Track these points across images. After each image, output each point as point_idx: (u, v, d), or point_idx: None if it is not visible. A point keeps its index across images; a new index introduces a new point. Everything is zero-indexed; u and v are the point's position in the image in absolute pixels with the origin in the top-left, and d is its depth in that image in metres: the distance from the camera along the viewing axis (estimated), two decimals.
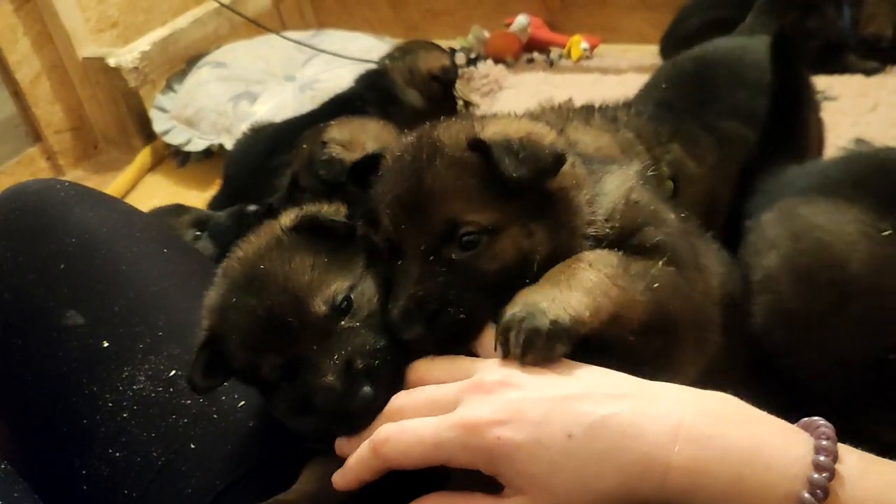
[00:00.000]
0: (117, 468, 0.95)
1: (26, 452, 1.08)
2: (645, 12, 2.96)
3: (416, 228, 0.79)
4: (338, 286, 0.82)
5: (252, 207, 1.54)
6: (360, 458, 0.74)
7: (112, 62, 2.70)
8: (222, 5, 2.92)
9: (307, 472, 0.87)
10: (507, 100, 2.61)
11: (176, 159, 2.78)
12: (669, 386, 0.69)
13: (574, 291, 0.72)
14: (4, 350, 1.05)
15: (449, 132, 0.82)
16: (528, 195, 0.78)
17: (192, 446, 0.93)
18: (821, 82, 2.29)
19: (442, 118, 0.89)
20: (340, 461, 0.84)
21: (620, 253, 0.79)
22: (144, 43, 2.80)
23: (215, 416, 0.95)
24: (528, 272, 0.77)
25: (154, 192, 2.66)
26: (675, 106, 1.41)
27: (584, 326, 0.71)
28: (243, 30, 3.16)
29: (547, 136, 0.83)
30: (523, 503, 0.67)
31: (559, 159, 0.78)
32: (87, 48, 2.79)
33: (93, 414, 0.98)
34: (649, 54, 2.80)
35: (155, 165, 2.81)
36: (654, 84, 1.51)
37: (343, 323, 0.81)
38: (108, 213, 1.16)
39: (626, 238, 0.82)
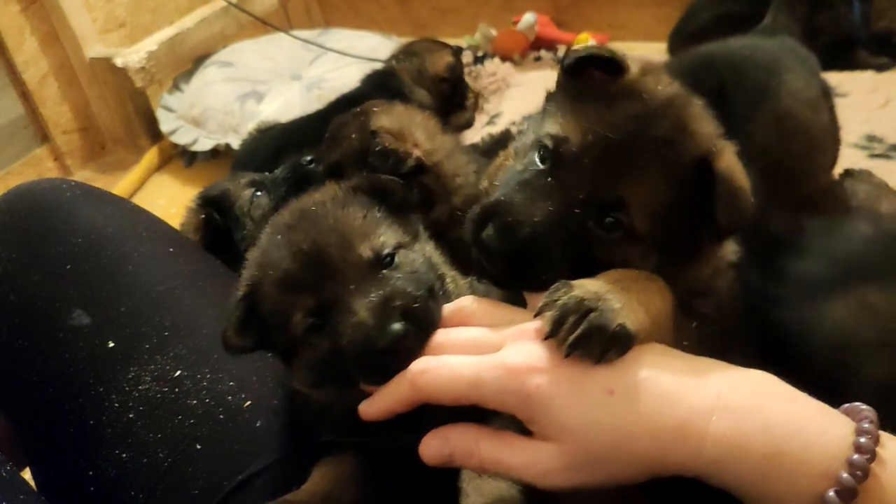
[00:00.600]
0: (124, 469, 0.94)
1: (33, 454, 1.07)
2: (654, 8, 2.94)
3: (595, 175, 0.75)
4: (386, 239, 0.81)
5: (307, 158, 1.51)
6: (395, 386, 0.73)
7: (119, 62, 2.71)
8: (230, 4, 2.92)
9: (317, 471, 0.87)
10: (515, 98, 2.60)
11: (182, 159, 2.78)
12: (712, 361, 0.69)
13: (642, 307, 0.70)
14: (11, 351, 1.05)
15: (697, 127, 0.78)
16: (681, 228, 0.76)
17: (199, 447, 0.93)
18: (832, 79, 2.26)
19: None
20: (353, 460, 0.83)
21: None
22: (151, 43, 2.80)
23: (221, 416, 0.95)
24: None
25: (161, 192, 2.67)
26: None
27: (636, 343, 0.69)
28: (250, 29, 3.16)
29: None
30: (553, 450, 0.66)
31: (750, 224, 0.77)
32: (94, 48, 2.80)
33: (99, 415, 0.97)
34: (658, 51, 2.77)
35: (162, 165, 2.81)
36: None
37: (385, 272, 0.79)
38: (115, 213, 1.16)
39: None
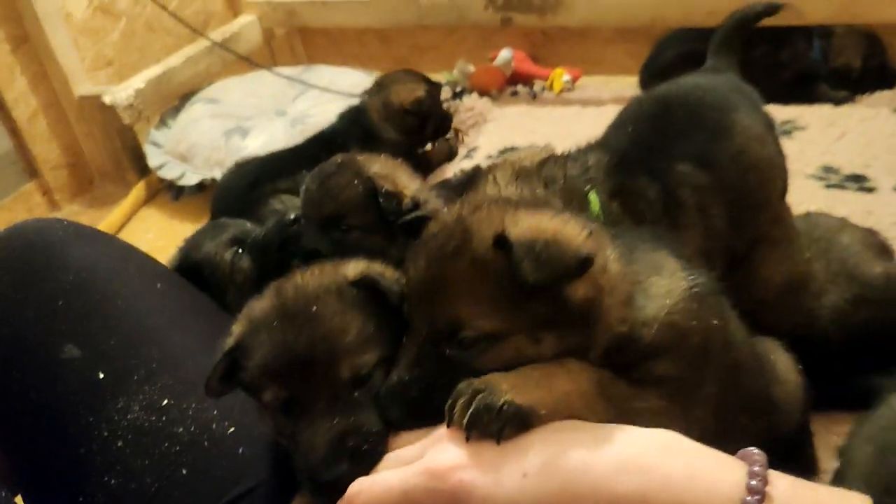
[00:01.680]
0: (112, 495, 0.99)
1: (25, 481, 1.12)
2: (625, 44, 3.06)
3: (425, 315, 0.81)
4: (368, 358, 0.85)
5: (292, 216, 1.49)
6: None
7: (107, 100, 2.78)
8: (215, 43, 3.01)
9: (299, 499, 0.91)
10: (492, 133, 2.68)
11: (169, 193, 2.85)
12: (618, 426, 0.74)
13: (541, 390, 0.73)
14: (4, 383, 1.09)
15: (481, 223, 0.81)
16: (544, 300, 0.77)
17: (184, 472, 0.98)
18: (791, 112, 2.38)
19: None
20: None
21: (605, 373, 0.79)
22: (139, 81, 2.88)
23: (206, 443, 1.01)
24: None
25: (149, 226, 2.73)
26: (629, 153, 1.33)
27: (537, 420, 0.73)
28: (235, 67, 3.25)
29: (577, 237, 0.80)
30: None
31: (584, 263, 0.76)
32: (82, 86, 2.86)
33: (89, 443, 1.02)
34: (630, 85, 2.89)
35: (149, 199, 2.87)
36: (619, 124, 1.50)
37: (356, 394, 0.84)
38: (105, 251, 1.22)
39: (639, 356, 0.82)
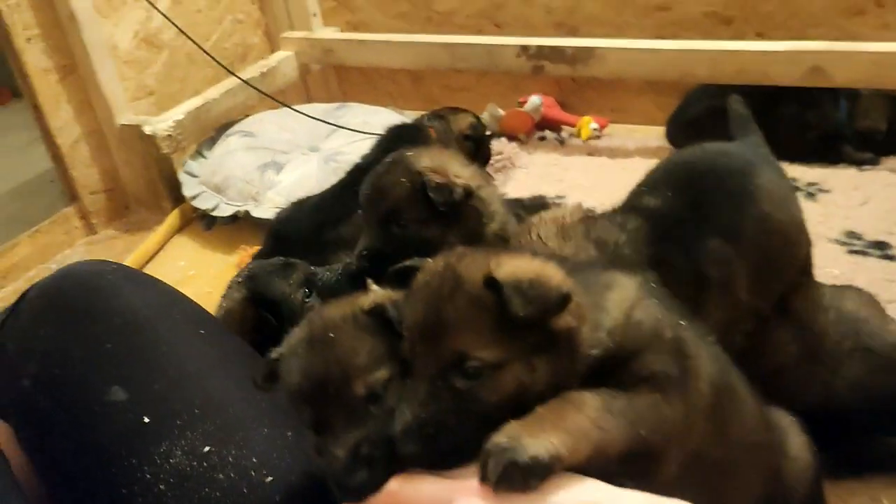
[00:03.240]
0: None
1: None
2: (653, 95, 3.11)
3: (429, 351, 0.87)
4: (380, 375, 0.93)
5: (353, 262, 1.57)
6: None
7: (148, 130, 2.87)
8: (248, 84, 3.10)
9: None
10: (520, 179, 2.74)
11: (202, 222, 2.92)
12: (634, 494, 0.79)
13: (558, 431, 0.80)
14: (51, 422, 1.14)
15: (469, 268, 0.89)
16: (533, 332, 0.86)
17: None
18: (816, 174, 2.42)
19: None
20: None
21: (604, 391, 0.86)
22: (178, 112, 2.97)
23: (245, 489, 1.05)
24: (527, 401, 0.84)
25: (181, 254, 2.79)
26: (663, 223, 1.37)
27: (561, 464, 0.79)
28: (271, 101, 3.33)
29: (555, 277, 0.89)
30: None
31: (565, 299, 0.85)
32: (124, 115, 2.96)
33: (131, 485, 1.06)
34: (656, 135, 2.94)
35: (183, 227, 2.94)
36: (650, 185, 1.48)
37: (371, 408, 0.92)
38: (152, 296, 1.27)
39: (621, 362, 0.89)
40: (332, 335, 0.97)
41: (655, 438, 0.86)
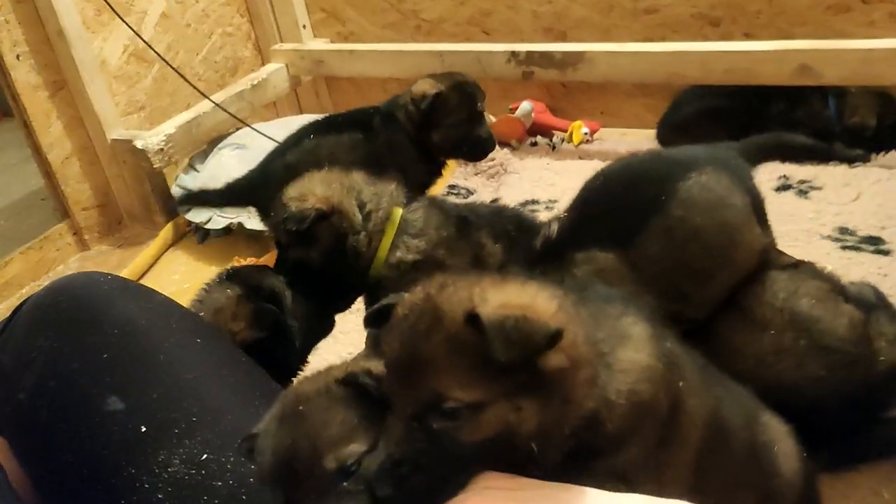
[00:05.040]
0: None
1: None
2: (643, 98, 3.13)
3: (406, 390, 0.83)
4: (354, 448, 0.89)
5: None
6: None
7: (139, 144, 2.86)
8: (217, 105, 3.09)
9: None
10: (513, 185, 2.74)
11: (196, 235, 2.92)
12: (632, 497, 0.79)
13: None
14: (49, 433, 1.14)
15: (451, 302, 0.83)
16: (520, 371, 0.79)
17: None
18: (807, 172, 2.43)
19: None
20: None
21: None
22: (170, 126, 2.96)
23: (244, 496, 1.04)
24: (517, 442, 0.80)
25: (175, 268, 2.79)
26: (559, 237, 1.40)
27: None
28: (263, 113, 3.34)
29: (546, 311, 0.83)
30: None
31: (553, 338, 0.79)
32: (115, 131, 2.95)
33: (130, 495, 1.06)
34: (647, 138, 2.95)
35: (176, 241, 2.94)
36: (572, 203, 1.49)
37: (345, 484, 0.88)
38: (147, 306, 1.27)
39: (605, 446, 0.86)
40: (301, 408, 0.93)
41: None
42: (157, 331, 1.23)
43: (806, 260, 1.58)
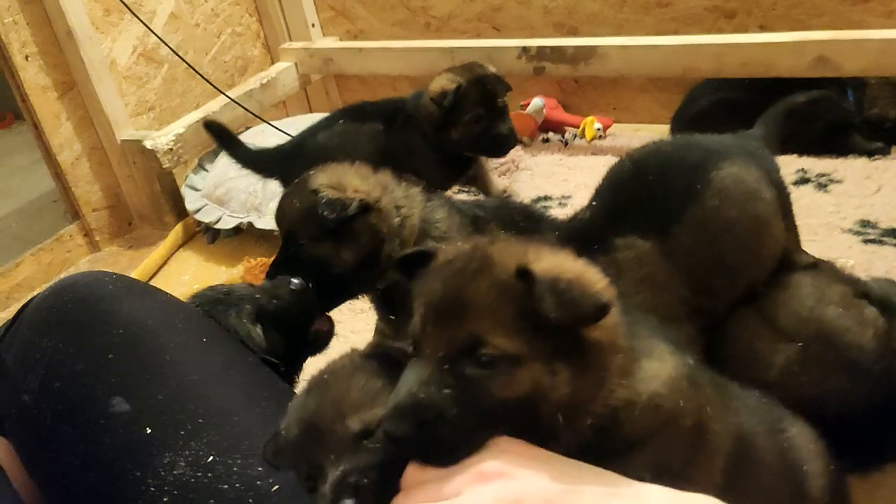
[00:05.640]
0: None
1: None
2: (656, 93, 3.08)
3: (441, 332, 0.78)
4: (378, 411, 0.85)
5: (297, 282, 1.53)
6: None
7: (149, 144, 2.85)
8: (231, 100, 3.08)
9: None
10: (525, 181, 2.71)
11: (206, 235, 2.90)
12: (657, 488, 0.75)
13: None
14: (54, 435, 1.12)
15: (502, 253, 0.82)
16: (562, 335, 0.77)
17: None
18: (827, 165, 2.38)
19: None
20: None
21: None
22: (179, 126, 2.95)
23: (251, 500, 1.02)
24: (540, 411, 0.77)
25: (185, 268, 2.77)
26: (583, 228, 1.35)
27: None
28: (272, 111, 3.32)
29: (597, 283, 0.81)
30: None
31: (602, 310, 0.77)
32: (125, 131, 2.95)
33: (136, 497, 1.04)
34: (660, 134, 2.90)
35: (186, 242, 2.92)
36: (598, 189, 1.45)
37: (366, 441, 0.86)
38: (153, 306, 1.25)
39: (623, 446, 0.82)
40: (326, 377, 0.93)
41: None
42: (162, 331, 1.20)
43: (828, 255, 1.53)
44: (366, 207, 1.47)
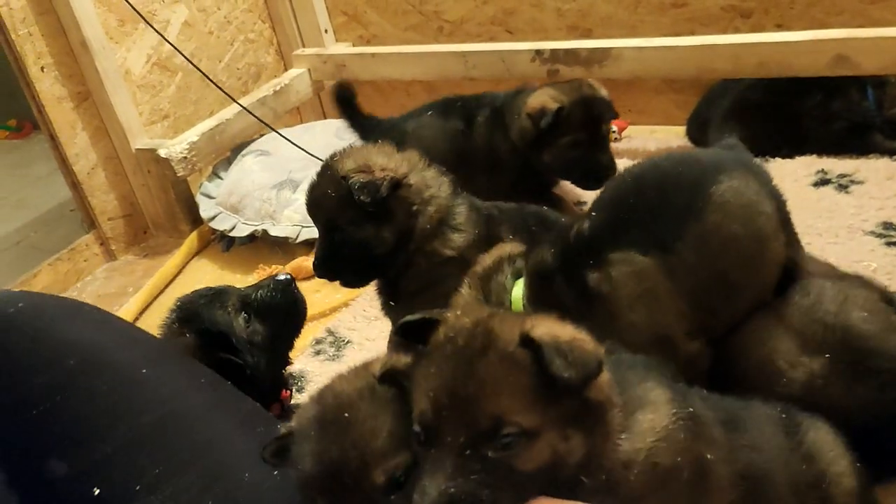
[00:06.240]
0: None
1: None
2: (672, 95, 3.05)
3: (459, 417, 0.79)
4: (401, 460, 0.86)
5: (285, 277, 1.60)
6: None
7: (163, 153, 2.86)
8: (244, 108, 3.08)
9: None
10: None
11: (221, 243, 2.90)
12: None
13: None
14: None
15: (503, 325, 0.84)
16: (568, 400, 0.81)
17: None
18: (847, 165, 2.34)
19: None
20: None
21: None
22: (193, 134, 2.96)
23: None
24: (557, 477, 0.80)
25: (200, 276, 2.77)
26: (592, 235, 1.34)
27: None
28: (286, 119, 3.32)
29: (589, 342, 0.86)
30: None
31: (601, 365, 0.82)
32: (139, 140, 2.96)
33: None
34: (676, 135, 2.88)
35: (201, 250, 2.93)
36: (595, 204, 1.43)
37: (392, 497, 0.85)
38: (108, 331, 1.10)
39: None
40: (346, 415, 0.90)
41: None
42: (104, 367, 1.03)
43: (849, 258, 1.50)
44: (396, 184, 1.51)
